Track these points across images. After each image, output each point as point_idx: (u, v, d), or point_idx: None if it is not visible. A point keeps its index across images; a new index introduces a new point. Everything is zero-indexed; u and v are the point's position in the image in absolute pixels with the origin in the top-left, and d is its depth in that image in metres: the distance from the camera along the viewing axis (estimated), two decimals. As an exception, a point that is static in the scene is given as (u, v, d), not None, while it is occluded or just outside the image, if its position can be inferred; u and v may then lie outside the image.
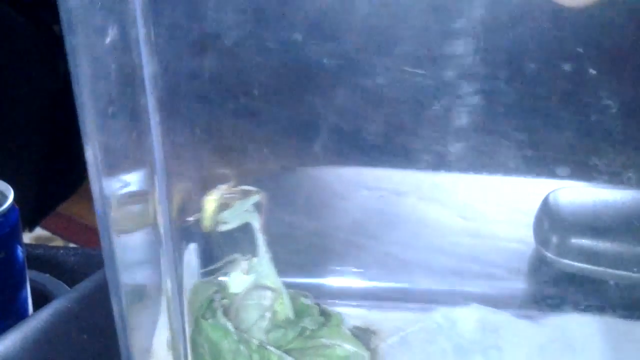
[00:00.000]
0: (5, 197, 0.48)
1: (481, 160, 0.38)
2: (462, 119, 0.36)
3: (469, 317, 0.41)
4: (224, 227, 0.39)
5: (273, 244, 0.40)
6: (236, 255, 0.40)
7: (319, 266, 0.44)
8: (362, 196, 0.46)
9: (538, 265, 0.44)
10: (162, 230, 0.36)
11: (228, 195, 0.40)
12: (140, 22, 0.31)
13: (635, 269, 0.44)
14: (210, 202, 0.39)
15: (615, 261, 0.44)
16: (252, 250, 0.40)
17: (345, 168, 0.45)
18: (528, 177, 0.42)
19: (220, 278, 0.40)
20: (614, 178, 0.38)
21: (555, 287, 0.43)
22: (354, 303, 0.43)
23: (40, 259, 0.58)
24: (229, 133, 0.40)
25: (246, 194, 0.40)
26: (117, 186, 0.33)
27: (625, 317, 0.42)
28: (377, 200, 0.46)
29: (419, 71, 0.35)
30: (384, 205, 0.46)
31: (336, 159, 0.41)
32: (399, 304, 0.43)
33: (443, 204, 0.46)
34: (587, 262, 0.45)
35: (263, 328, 0.38)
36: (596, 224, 0.45)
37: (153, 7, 0.31)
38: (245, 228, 0.40)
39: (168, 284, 0.37)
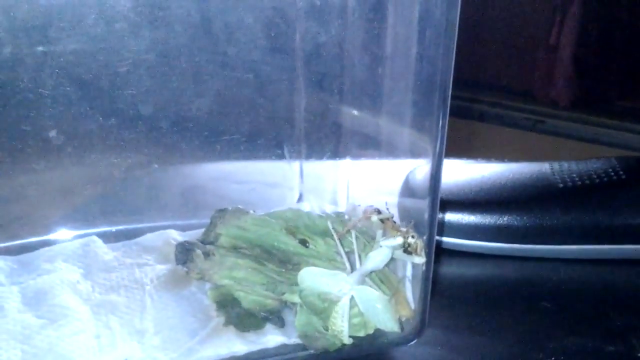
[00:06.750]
0: None
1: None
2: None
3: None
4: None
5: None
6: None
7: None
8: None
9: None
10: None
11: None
12: None
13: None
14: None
15: (487, 234, 0.46)
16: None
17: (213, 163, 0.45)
18: (385, 159, 0.43)
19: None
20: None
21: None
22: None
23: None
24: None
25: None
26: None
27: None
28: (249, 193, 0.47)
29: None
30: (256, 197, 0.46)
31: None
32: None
33: (313, 192, 0.47)
34: (461, 237, 0.47)
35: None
36: (462, 198, 0.47)
37: None
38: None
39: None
